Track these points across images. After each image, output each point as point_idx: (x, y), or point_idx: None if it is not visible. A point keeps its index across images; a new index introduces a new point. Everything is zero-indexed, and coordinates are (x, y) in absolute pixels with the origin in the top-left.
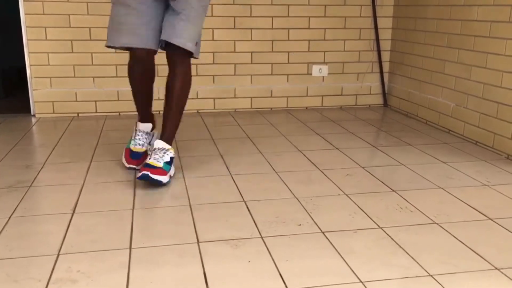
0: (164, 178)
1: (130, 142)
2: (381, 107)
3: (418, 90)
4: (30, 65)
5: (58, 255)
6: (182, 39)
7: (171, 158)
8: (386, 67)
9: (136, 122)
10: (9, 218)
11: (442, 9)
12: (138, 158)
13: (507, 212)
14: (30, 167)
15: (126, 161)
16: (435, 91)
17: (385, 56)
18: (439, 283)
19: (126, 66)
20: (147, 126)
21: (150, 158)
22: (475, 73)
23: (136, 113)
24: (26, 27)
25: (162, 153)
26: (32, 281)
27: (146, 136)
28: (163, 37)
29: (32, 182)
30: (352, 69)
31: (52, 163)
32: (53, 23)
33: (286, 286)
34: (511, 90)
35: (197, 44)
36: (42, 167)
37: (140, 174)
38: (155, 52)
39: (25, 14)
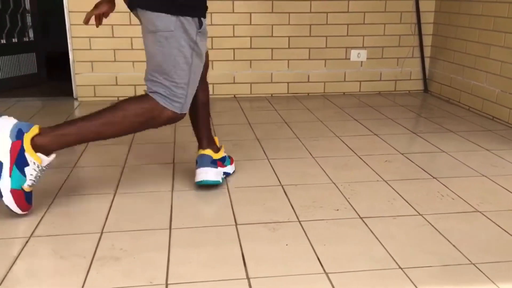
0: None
1: None
2: (421, 93)
3: (461, 76)
4: (73, 49)
5: (101, 233)
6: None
7: None
8: (427, 51)
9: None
10: (55, 197)
11: None
12: None
13: None
14: (73, 149)
15: None
16: (479, 76)
17: (427, 40)
18: (482, 272)
19: None
20: None
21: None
22: None
23: None
24: (69, 12)
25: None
26: (77, 257)
27: None
28: None
29: (76, 163)
30: (391, 54)
31: (95, 145)
32: None
33: (324, 270)
34: None
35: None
36: (84, 149)
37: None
38: None
39: None
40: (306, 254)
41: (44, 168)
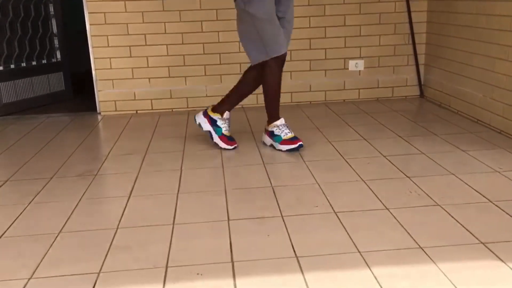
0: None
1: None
2: (418, 98)
3: (450, 81)
4: (95, 69)
5: (117, 228)
6: None
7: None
8: (422, 59)
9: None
10: (80, 199)
11: (469, 3)
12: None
13: (508, 195)
14: (96, 158)
15: (228, 144)
16: (465, 82)
17: (421, 49)
18: (426, 254)
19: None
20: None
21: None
22: (499, 66)
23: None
24: (91, 36)
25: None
26: (97, 247)
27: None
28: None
29: (98, 171)
30: (387, 63)
31: (114, 154)
32: (114, 32)
33: (295, 254)
34: None
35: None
36: (106, 158)
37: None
38: None
39: (90, 24)
40: (283, 242)
41: (226, 120)
